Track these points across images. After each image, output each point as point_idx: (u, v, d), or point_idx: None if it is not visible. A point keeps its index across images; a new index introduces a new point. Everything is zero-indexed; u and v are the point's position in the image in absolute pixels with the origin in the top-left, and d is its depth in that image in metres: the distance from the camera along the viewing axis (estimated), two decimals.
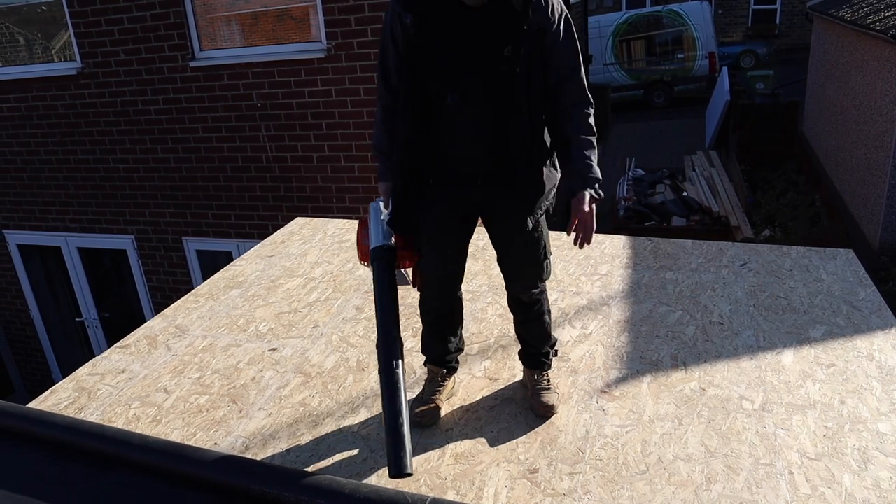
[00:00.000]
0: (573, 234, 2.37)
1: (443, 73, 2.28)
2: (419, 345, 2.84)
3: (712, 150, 13.95)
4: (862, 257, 4.11)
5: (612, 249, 4.11)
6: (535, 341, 2.73)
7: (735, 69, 18.60)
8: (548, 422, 2.62)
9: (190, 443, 2.64)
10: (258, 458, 2.51)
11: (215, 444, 2.62)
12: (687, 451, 2.45)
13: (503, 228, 2.54)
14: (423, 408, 2.65)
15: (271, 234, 4.77)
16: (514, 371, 2.96)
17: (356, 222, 4.75)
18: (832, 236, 9.34)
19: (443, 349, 2.73)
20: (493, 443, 2.53)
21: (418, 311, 2.76)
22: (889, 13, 9.23)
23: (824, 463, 2.40)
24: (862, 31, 9.54)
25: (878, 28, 8.65)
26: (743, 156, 12.82)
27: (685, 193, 11.61)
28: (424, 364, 2.82)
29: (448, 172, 2.43)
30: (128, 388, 3.03)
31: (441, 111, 2.31)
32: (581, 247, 2.38)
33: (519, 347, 2.82)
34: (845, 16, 10.77)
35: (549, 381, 2.75)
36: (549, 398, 2.67)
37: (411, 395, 2.74)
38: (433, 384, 2.73)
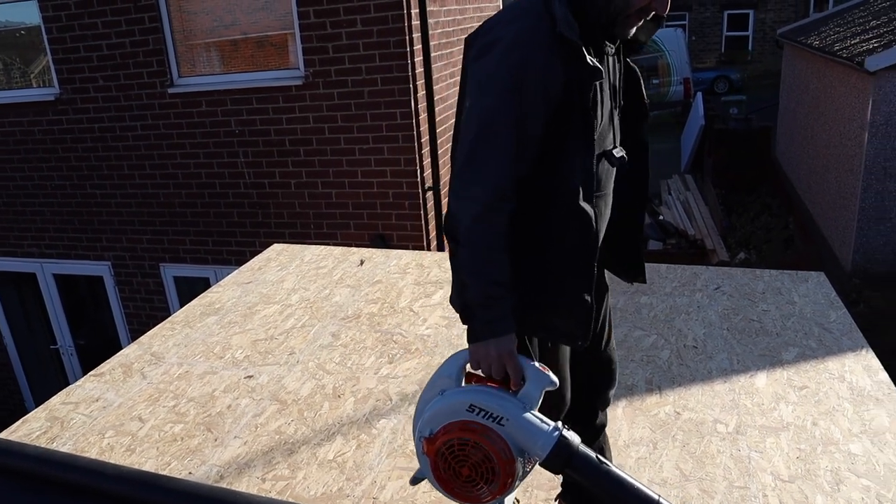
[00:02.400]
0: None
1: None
2: None
3: (688, 174, 14.15)
4: (834, 279, 4.19)
5: None
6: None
7: (709, 94, 18.91)
8: None
9: (164, 472, 2.61)
10: (233, 488, 2.49)
11: (190, 473, 2.60)
12: (662, 476, 2.46)
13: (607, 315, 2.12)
14: None
15: (249, 260, 4.76)
16: None
17: (334, 249, 4.78)
18: (806, 259, 9.47)
19: None
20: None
21: None
22: (855, 41, 9.47)
23: (797, 485, 2.42)
24: (829, 59, 9.77)
25: (844, 55, 8.87)
26: (718, 180, 13.01)
27: (661, 217, 11.73)
28: None
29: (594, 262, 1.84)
30: (102, 416, 3.00)
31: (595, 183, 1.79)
32: None
33: None
34: (813, 43, 11.03)
35: None
36: None
37: None
38: None
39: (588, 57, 1.62)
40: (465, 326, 1.70)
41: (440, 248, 6.14)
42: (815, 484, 2.42)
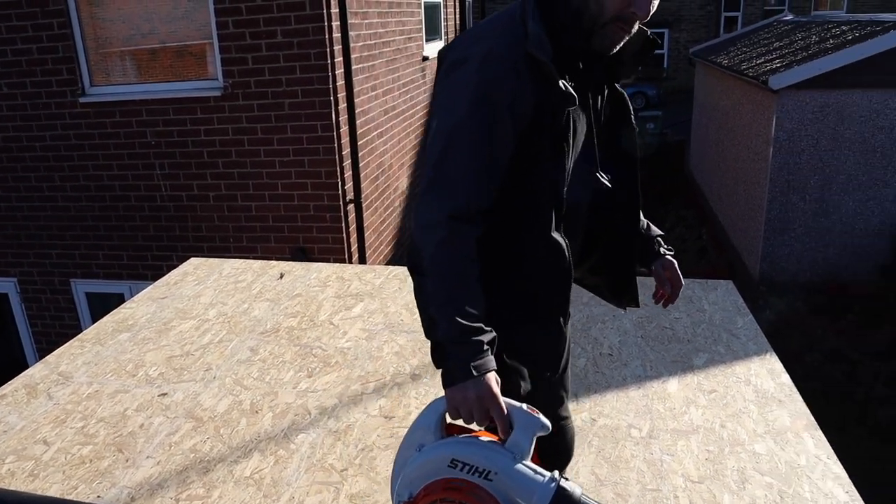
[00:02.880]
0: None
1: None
2: None
3: None
4: (744, 288, 4.37)
5: None
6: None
7: None
8: None
9: (70, 497, 2.51)
10: None
11: (98, 496, 2.51)
12: (578, 481, 2.52)
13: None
14: None
15: (166, 274, 4.64)
16: (409, 409, 2.97)
17: (253, 262, 4.71)
18: (718, 268, 9.85)
19: None
20: (388, 482, 2.52)
21: None
22: (760, 60, 9.95)
23: (706, 485, 2.52)
24: (737, 77, 10.24)
25: (750, 74, 9.31)
26: None
27: None
28: None
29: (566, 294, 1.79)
30: (2, 441, 2.86)
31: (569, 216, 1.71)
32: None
33: None
34: (722, 62, 11.53)
35: None
36: None
37: None
38: None
39: (561, 81, 1.52)
40: (439, 370, 1.50)
41: (362, 261, 6.12)
42: (723, 483, 2.52)
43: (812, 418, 2.94)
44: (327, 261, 5.82)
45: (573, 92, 1.53)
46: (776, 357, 3.42)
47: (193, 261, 4.78)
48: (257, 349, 3.52)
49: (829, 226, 8.78)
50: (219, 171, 5.90)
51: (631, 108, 1.87)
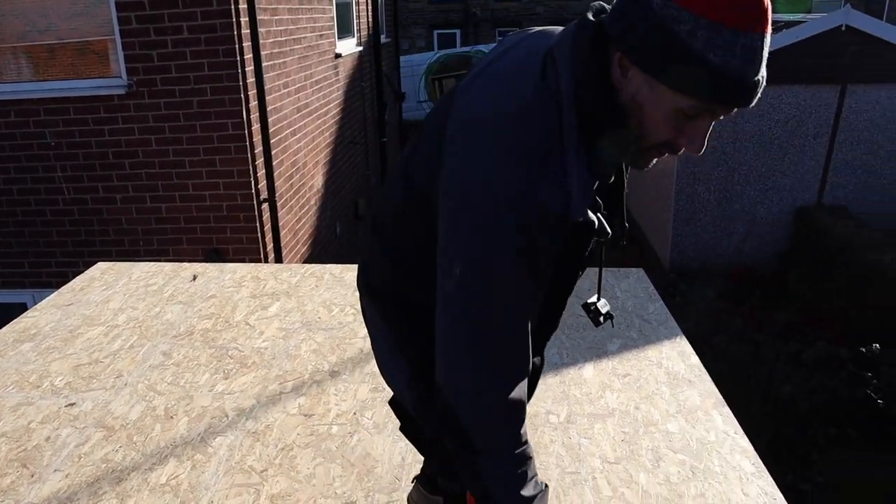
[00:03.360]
0: None
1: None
2: None
3: None
4: (656, 275, 4.52)
5: None
6: None
7: None
8: (365, 453, 2.64)
9: None
10: None
11: None
12: None
13: None
14: None
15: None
16: (328, 406, 2.95)
17: (164, 265, 4.56)
18: (632, 258, 10.16)
19: None
20: (309, 479, 2.50)
21: None
22: None
23: (623, 465, 2.60)
24: None
25: None
26: None
27: None
28: None
29: None
30: None
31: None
32: None
33: None
34: None
35: None
36: None
37: None
38: None
39: (597, 220, 1.35)
40: None
41: (278, 260, 6.02)
42: (639, 463, 2.61)
43: (720, 397, 3.07)
44: (242, 261, 5.69)
45: (607, 227, 1.39)
46: (686, 340, 3.56)
47: (101, 265, 4.59)
48: (171, 353, 3.42)
49: (733, 215, 9.18)
50: (125, 172, 5.68)
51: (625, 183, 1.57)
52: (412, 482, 2.34)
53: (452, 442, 1.36)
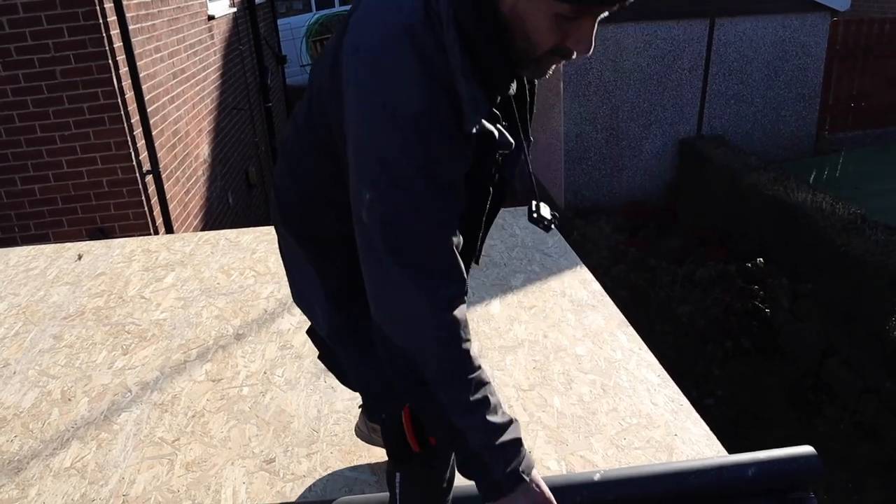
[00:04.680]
0: None
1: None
2: None
3: None
4: None
5: None
6: None
7: None
8: (279, 410, 2.58)
9: None
10: None
11: None
12: None
13: None
14: None
15: None
16: (237, 369, 2.86)
17: (45, 247, 4.27)
18: (526, 201, 10.34)
19: None
20: (224, 443, 2.42)
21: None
22: None
23: (537, 391, 2.65)
24: None
25: None
26: None
27: None
28: None
29: None
30: None
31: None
32: None
33: None
34: None
35: None
36: None
37: None
38: None
39: (497, 127, 1.35)
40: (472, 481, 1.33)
41: (169, 231, 5.76)
42: (552, 387, 2.67)
43: (623, 318, 3.18)
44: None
45: (509, 138, 1.39)
46: (586, 269, 3.66)
47: None
48: (61, 335, 3.22)
49: (620, 152, 9.45)
50: None
51: (534, 99, 1.62)
52: (359, 408, 2.29)
53: (404, 382, 1.31)
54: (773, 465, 2.10)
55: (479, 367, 1.31)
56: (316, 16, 18.90)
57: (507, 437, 1.29)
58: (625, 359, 2.86)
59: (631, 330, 3.08)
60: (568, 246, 3.90)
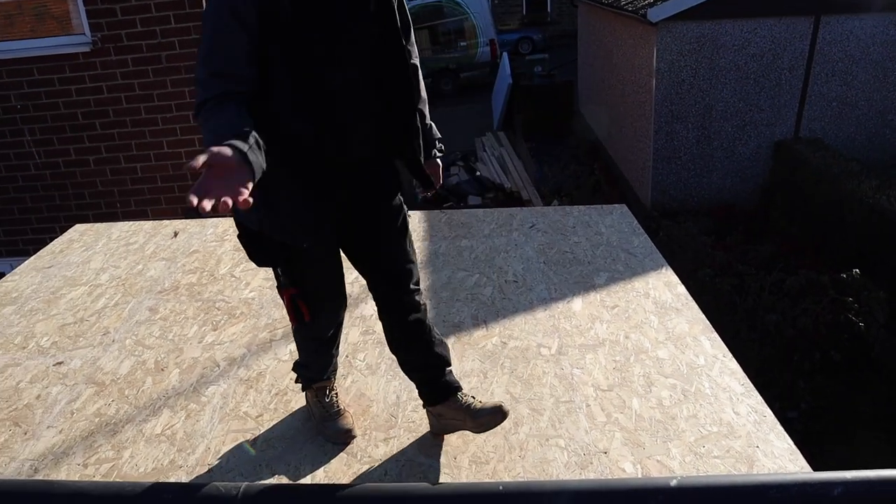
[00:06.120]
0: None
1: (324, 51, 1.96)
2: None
3: (500, 130, 14.65)
4: (637, 215, 4.51)
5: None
6: (438, 357, 2.30)
7: (514, 55, 19.61)
8: (359, 394, 2.64)
9: None
10: (50, 478, 2.30)
11: None
12: (493, 402, 2.56)
13: (377, 224, 2.22)
14: (343, 424, 2.39)
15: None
16: None
17: (144, 223, 4.48)
18: (612, 200, 10.17)
19: (332, 360, 2.47)
20: (304, 422, 2.50)
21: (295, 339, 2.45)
22: None
23: (616, 392, 2.62)
24: (618, 13, 10.45)
25: (630, 9, 9.52)
26: (528, 134, 13.60)
27: (478, 173, 12.10)
28: (310, 386, 2.47)
29: (324, 169, 2.04)
30: None
31: (320, 95, 1.97)
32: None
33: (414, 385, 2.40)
34: (604, 0, 11.73)
35: (472, 396, 2.32)
36: (491, 403, 2.26)
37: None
38: (330, 396, 2.44)
39: None
40: None
41: None
42: (631, 389, 2.63)
43: (708, 323, 3.10)
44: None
45: None
46: (671, 271, 3.57)
47: (79, 227, 4.52)
48: (157, 308, 3.38)
49: (712, 152, 9.19)
50: (96, 132, 5.56)
51: (394, 4, 2.05)
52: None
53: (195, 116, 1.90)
54: (861, 486, 2.00)
55: (214, 98, 1.81)
56: (408, 5, 19.06)
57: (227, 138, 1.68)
58: (707, 365, 2.79)
59: (715, 335, 3.00)
60: (654, 246, 3.82)
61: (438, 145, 2.36)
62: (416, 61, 2.23)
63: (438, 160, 2.37)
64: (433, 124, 2.35)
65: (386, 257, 2.22)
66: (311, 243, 2.09)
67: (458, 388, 2.29)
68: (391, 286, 2.23)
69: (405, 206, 2.28)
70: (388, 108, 2.11)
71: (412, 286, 2.24)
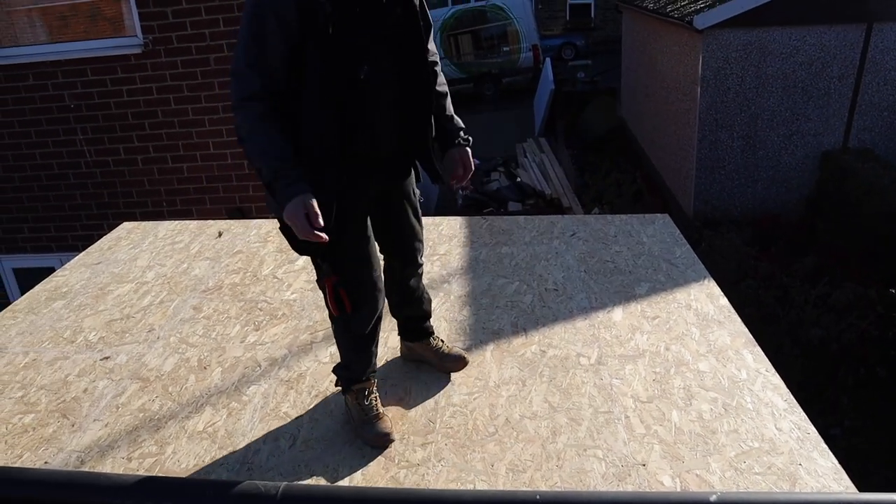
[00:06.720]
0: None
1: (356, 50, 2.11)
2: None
3: (542, 136, 14.61)
4: (679, 225, 4.46)
5: (448, 230, 4.22)
6: (423, 312, 2.72)
7: (557, 60, 19.57)
8: (398, 398, 2.66)
9: (16, 465, 2.43)
10: (96, 471, 2.36)
11: (46, 462, 2.44)
12: (532, 410, 2.56)
13: (400, 208, 2.44)
14: (382, 428, 2.43)
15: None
16: None
17: (189, 223, 4.57)
18: (653, 209, 10.06)
19: (372, 360, 2.51)
20: (344, 426, 2.52)
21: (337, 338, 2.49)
22: (685, 2, 10.06)
23: (655, 404, 2.60)
24: (663, 19, 10.35)
25: (675, 16, 9.42)
26: (570, 141, 13.53)
27: (519, 179, 12.08)
28: (351, 389, 2.49)
29: (358, 162, 2.20)
30: None
31: (351, 92, 2.12)
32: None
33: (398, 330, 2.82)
34: (648, 6, 11.62)
35: (443, 340, 2.83)
36: (457, 351, 2.79)
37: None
38: (370, 399, 2.48)
39: None
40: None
41: None
42: (671, 401, 2.60)
43: (750, 336, 3.05)
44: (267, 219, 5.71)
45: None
46: (714, 282, 3.52)
47: (126, 225, 4.62)
48: (201, 307, 3.45)
49: (757, 161, 9.04)
50: (145, 132, 5.69)
51: (416, 4, 2.23)
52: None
53: (238, 140, 2.13)
54: None
55: (270, 136, 2.04)
56: (452, 10, 19.13)
57: (283, 174, 2.03)
58: (750, 379, 2.74)
59: (758, 349, 2.95)
60: (696, 257, 3.77)
61: (462, 135, 2.45)
62: (436, 59, 2.38)
63: (468, 148, 2.47)
64: (455, 115, 2.47)
65: (398, 237, 2.48)
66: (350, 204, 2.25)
67: (432, 333, 2.78)
68: (401, 264, 2.53)
69: (416, 187, 2.48)
70: (407, 106, 2.26)
71: (419, 261, 2.55)
